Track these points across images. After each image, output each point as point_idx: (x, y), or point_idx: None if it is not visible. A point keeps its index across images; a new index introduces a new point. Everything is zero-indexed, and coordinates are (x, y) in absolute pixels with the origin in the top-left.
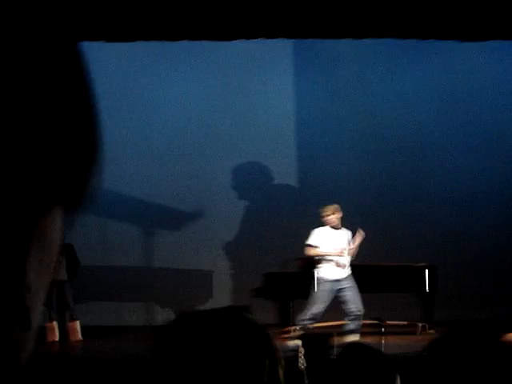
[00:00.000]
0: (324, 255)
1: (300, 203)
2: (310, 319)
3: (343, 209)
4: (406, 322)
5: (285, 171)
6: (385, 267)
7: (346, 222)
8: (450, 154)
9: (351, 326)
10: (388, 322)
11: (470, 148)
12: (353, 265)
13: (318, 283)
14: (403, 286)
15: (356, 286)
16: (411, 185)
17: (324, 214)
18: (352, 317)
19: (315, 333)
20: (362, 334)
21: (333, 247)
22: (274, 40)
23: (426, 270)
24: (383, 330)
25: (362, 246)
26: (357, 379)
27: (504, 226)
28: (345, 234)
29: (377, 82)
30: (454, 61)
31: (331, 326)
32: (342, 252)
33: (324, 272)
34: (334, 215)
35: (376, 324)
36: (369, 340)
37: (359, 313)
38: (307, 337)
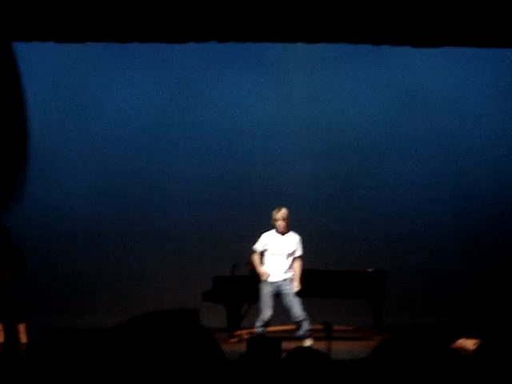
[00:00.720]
0: (256, 269)
1: (250, 207)
2: (261, 325)
3: (293, 213)
4: (354, 327)
5: (234, 175)
6: (335, 272)
7: (296, 228)
8: (401, 159)
9: (299, 332)
10: (336, 327)
11: (420, 153)
12: (303, 270)
13: (260, 287)
14: (352, 292)
15: (292, 293)
16: (361, 190)
17: (273, 217)
18: (295, 323)
19: (264, 337)
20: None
21: (275, 251)
22: (226, 43)
23: (375, 276)
24: (331, 334)
25: (312, 252)
26: (302, 383)
27: (452, 232)
28: (291, 239)
29: (328, 86)
30: (406, 66)
31: (284, 330)
32: (266, 275)
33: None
34: (283, 221)
35: (324, 329)
36: (317, 345)
37: (298, 319)
38: (255, 341)
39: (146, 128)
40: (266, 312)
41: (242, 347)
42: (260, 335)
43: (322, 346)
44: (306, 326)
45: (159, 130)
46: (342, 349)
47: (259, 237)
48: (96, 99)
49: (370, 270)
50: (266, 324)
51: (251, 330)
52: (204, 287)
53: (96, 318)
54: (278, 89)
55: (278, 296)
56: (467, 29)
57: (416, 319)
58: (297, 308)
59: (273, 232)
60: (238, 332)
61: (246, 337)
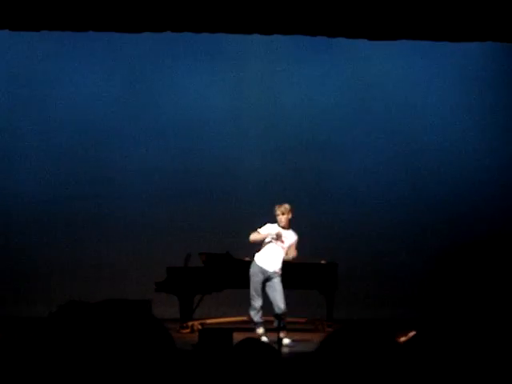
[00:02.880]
0: (260, 237)
1: (204, 198)
2: (256, 314)
3: (246, 205)
4: (306, 319)
5: (188, 166)
6: (287, 264)
7: (249, 220)
8: (356, 152)
9: (275, 323)
10: (287, 319)
11: (375, 146)
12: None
13: (251, 275)
14: (306, 283)
15: (280, 284)
16: (314, 182)
17: (275, 212)
18: (275, 315)
19: (215, 328)
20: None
21: (275, 245)
22: (181, 34)
23: (328, 268)
24: (282, 326)
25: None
26: (249, 374)
27: (404, 227)
28: (290, 236)
29: (284, 78)
30: (362, 59)
31: (235, 321)
32: (278, 235)
33: (258, 258)
34: (282, 215)
35: (275, 320)
36: (269, 336)
37: (279, 312)
38: (206, 331)
39: (99, 118)
40: (258, 300)
41: (195, 338)
42: (260, 323)
43: (273, 337)
44: (281, 319)
45: (113, 121)
46: (293, 340)
47: (212, 228)
48: (49, 88)
49: (322, 261)
50: (259, 311)
51: (203, 321)
52: (157, 278)
53: (47, 306)
54: (233, 80)
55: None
56: (423, 22)
57: (368, 312)
58: (280, 301)
59: (275, 225)
60: (191, 323)
61: (198, 327)
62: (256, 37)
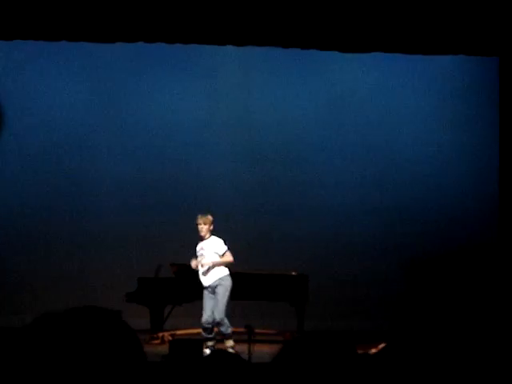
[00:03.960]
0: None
1: (175, 209)
2: (202, 328)
3: (221, 216)
4: (275, 331)
5: (161, 176)
6: (258, 275)
7: (223, 229)
8: (328, 164)
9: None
10: (258, 330)
11: (347, 158)
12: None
13: (227, 289)
14: (276, 295)
15: (222, 294)
16: (287, 193)
17: (196, 221)
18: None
19: (185, 339)
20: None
21: (200, 256)
22: (154, 44)
23: (298, 279)
24: (253, 337)
25: (235, 254)
26: None
27: (378, 236)
28: (210, 243)
29: (257, 89)
30: (335, 71)
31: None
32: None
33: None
34: (205, 225)
35: (246, 332)
36: (238, 348)
37: (216, 320)
38: (177, 342)
39: (72, 128)
40: (205, 315)
41: (165, 349)
42: (209, 337)
43: (244, 348)
44: (227, 329)
45: (86, 130)
46: (263, 352)
47: (183, 238)
48: (22, 98)
49: (293, 273)
50: (204, 327)
51: (173, 332)
52: (128, 288)
53: (19, 317)
54: (206, 91)
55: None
56: (396, 35)
57: (339, 323)
58: (218, 311)
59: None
60: (161, 334)
61: (169, 338)
62: (229, 48)
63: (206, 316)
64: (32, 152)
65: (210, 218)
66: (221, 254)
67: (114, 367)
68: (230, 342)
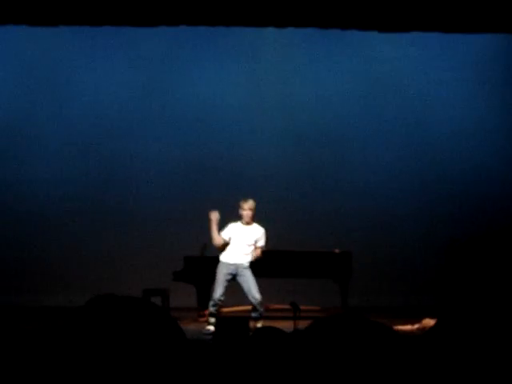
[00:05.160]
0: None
1: (219, 189)
2: (212, 304)
3: (262, 196)
4: (320, 308)
5: (204, 158)
6: (302, 253)
7: (265, 210)
8: (371, 143)
9: (253, 313)
10: (303, 307)
11: (389, 136)
12: (270, 250)
13: (218, 268)
14: (320, 272)
15: (251, 276)
16: (331, 172)
17: (240, 208)
18: (252, 304)
19: (231, 316)
20: (277, 319)
21: (239, 242)
22: (196, 27)
23: (342, 257)
24: (298, 314)
25: (280, 233)
26: (267, 362)
27: (420, 214)
28: (254, 230)
29: (297, 71)
30: (374, 51)
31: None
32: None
33: (223, 255)
34: (250, 211)
35: (290, 309)
36: (283, 325)
37: (256, 300)
38: (223, 320)
39: (116, 111)
40: (217, 291)
41: (210, 327)
42: (212, 314)
43: (289, 326)
44: (261, 308)
45: (130, 113)
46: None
47: (229, 218)
48: (68, 82)
49: (336, 250)
50: (215, 302)
51: (220, 309)
52: (175, 267)
53: (68, 297)
54: (247, 73)
55: (234, 279)
56: (434, 14)
57: (383, 300)
58: (254, 292)
59: (238, 224)
60: (206, 311)
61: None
62: (270, 30)
63: (221, 294)
64: (78, 136)
65: (253, 203)
66: (260, 245)
67: (155, 349)
68: (260, 323)
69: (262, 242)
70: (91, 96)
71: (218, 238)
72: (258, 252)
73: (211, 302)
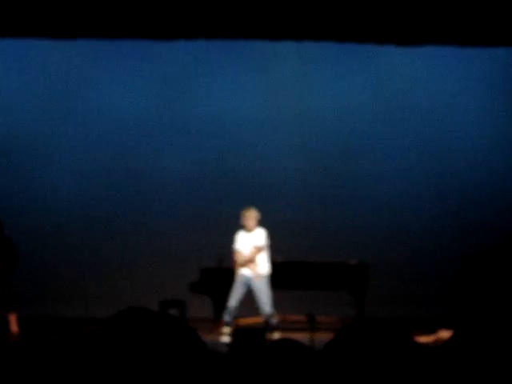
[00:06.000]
0: (244, 262)
1: (237, 200)
2: (226, 314)
3: (279, 207)
4: (336, 318)
5: (222, 170)
6: (318, 264)
7: (282, 221)
8: (387, 156)
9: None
10: (319, 319)
11: (405, 149)
12: (287, 262)
13: (235, 278)
14: (336, 284)
15: (264, 288)
16: (347, 184)
17: (243, 216)
18: (263, 316)
19: (248, 327)
20: (294, 330)
21: (245, 248)
22: (214, 40)
23: (358, 268)
24: (314, 325)
25: (296, 244)
26: (284, 374)
27: (436, 226)
28: (256, 235)
29: (315, 84)
30: (391, 65)
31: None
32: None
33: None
34: (246, 220)
35: (308, 320)
36: (300, 336)
37: (265, 313)
38: (240, 331)
39: (134, 123)
40: (231, 301)
41: (226, 338)
42: (227, 323)
43: (305, 337)
44: (273, 321)
45: (146, 126)
46: (325, 340)
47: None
48: (85, 96)
49: (353, 262)
50: (230, 312)
51: (236, 321)
52: (192, 278)
53: (85, 307)
54: (264, 86)
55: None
56: (451, 28)
57: (399, 311)
58: (265, 303)
59: (241, 231)
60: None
61: (230, 328)
62: (287, 43)
63: (237, 302)
64: (99, 148)
65: (254, 211)
66: (261, 244)
67: (176, 360)
68: (276, 334)
69: (260, 242)
70: (108, 109)
71: (239, 255)
72: (253, 249)
73: (225, 310)
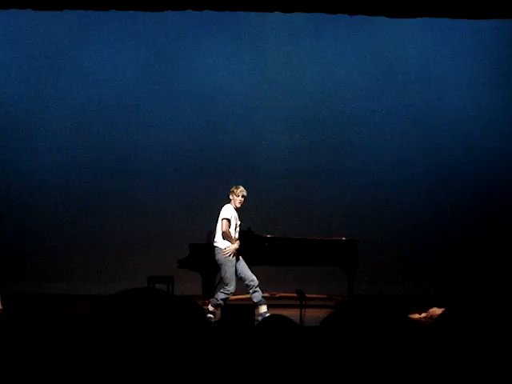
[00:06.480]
0: (230, 240)
1: (225, 174)
2: (225, 297)
3: (269, 183)
4: (325, 295)
5: (210, 143)
6: (309, 240)
7: (274, 199)
8: (377, 129)
9: (254, 298)
10: (309, 295)
11: (396, 123)
12: (277, 237)
13: (226, 260)
14: (327, 260)
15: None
16: (336, 160)
17: (237, 193)
18: (251, 289)
19: (237, 304)
20: (283, 307)
21: (235, 224)
22: (202, 12)
23: (348, 244)
24: (303, 302)
25: (287, 221)
26: (274, 350)
27: (426, 202)
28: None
29: (304, 55)
30: (382, 37)
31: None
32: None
33: (224, 243)
34: (242, 197)
35: (297, 297)
36: (288, 312)
37: (255, 283)
38: (228, 308)
39: (121, 97)
40: (233, 284)
41: (217, 314)
42: (218, 305)
43: (295, 313)
44: (260, 291)
45: (135, 100)
46: (314, 316)
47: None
48: (72, 67)
49: (343, 238)
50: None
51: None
52: (180, 254)
53: (71, 284)
54: (253, 57)
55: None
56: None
57: (389, 288)
58: (249, 273)
59: (231, 206)
60: (210, 299)
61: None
62: (276, 15)
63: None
64: (83, 119)
65: (243, 189)
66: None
67: (184, 336)
68: (263, 308)
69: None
70: (95, 83)
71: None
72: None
73: (223, 295)
